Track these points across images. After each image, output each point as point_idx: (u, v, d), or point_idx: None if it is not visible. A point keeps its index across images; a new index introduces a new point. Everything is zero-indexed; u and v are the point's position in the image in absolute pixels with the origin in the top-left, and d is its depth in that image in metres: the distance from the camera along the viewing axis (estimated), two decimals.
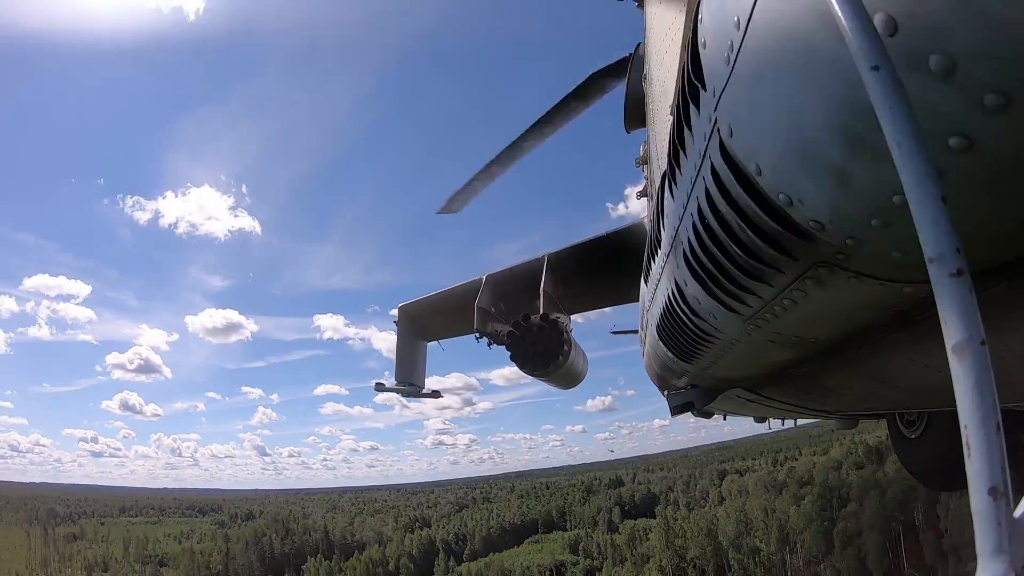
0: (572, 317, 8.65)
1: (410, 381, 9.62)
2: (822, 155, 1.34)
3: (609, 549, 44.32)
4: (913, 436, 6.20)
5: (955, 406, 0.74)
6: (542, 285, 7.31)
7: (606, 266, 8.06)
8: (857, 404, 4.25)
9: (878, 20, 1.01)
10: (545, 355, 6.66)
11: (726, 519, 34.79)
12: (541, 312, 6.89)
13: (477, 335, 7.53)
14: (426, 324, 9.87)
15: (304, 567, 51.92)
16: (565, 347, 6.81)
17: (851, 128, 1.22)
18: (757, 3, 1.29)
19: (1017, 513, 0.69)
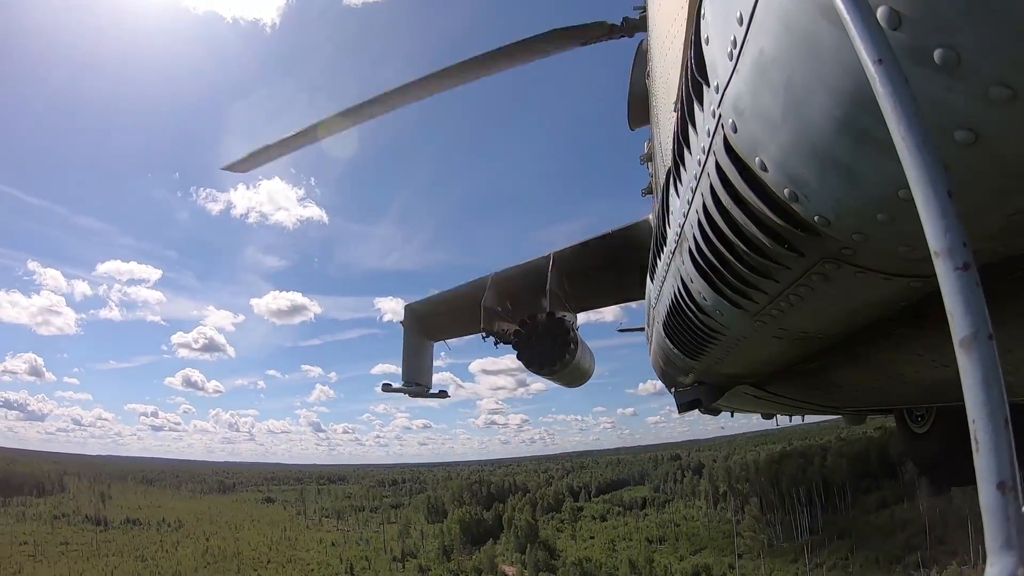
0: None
1: (417, 381, 10.08)
2: (827, 150, 1.37)
3: (677, 489, 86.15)
4: (921, 431, 6.49)
5: (963, 401, 0.77)
6: (548, 284, 7.61)
7: (612, 264, 8.44)
8: (865, 399, 4.41)
9: (881, 13, 1.05)
10: (551, 354, 6.99)
11: (737, 467, 76.21)
12: (547, 311, 7.19)
13: (483, 334, 7.91)
14: (433, 324, 10.30)
15: (509, 500, 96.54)
16: (572, 345, 7.11)
17: (856, 122, 1.25)
18: None
19: None
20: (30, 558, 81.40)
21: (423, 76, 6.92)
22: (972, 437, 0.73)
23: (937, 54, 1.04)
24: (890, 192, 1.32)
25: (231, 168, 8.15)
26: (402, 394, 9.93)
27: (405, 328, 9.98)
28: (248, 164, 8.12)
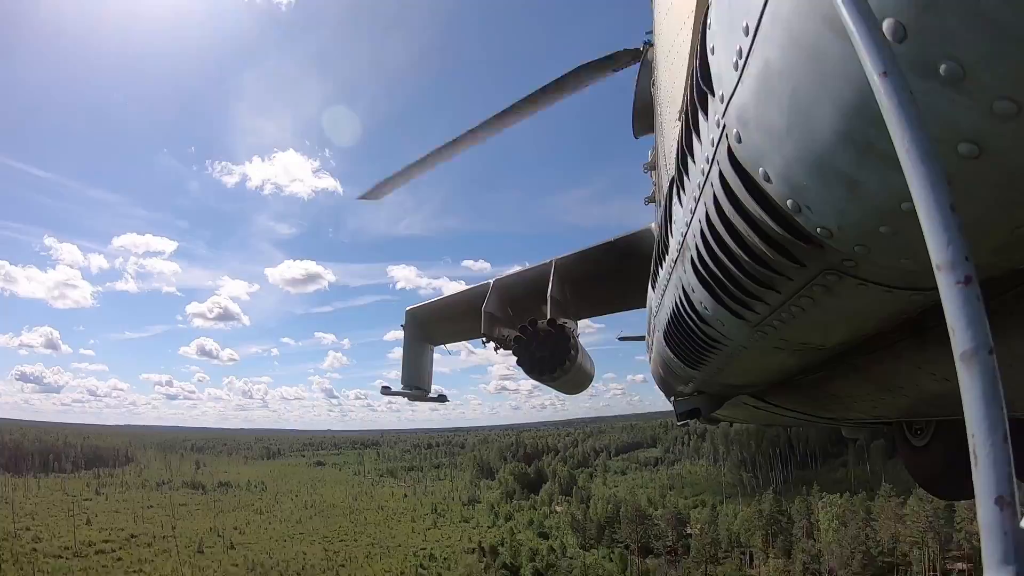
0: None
1: (417, 385, 10.01)
2: (831, 162, 1.34)
3: (685, 451, 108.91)
4: (920, 444, 6.26)
5: (962, 415, 0.75)
6: (549, 290, 7.52)
7: (614, 272, 8.32)
8: (864, 412, 4.28)
9: (887, 26, 1.01)
10: (551, 360, 6.94)
11: (734, 433, 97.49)
12: (548, 317, 7.08)
13: (484, 339, 7.93)
14: (433, 328, 10.20)
15: (544, 457, 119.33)
16: (572, 352, 7.00)
17: (860, 134, 1.22)
18: (766, 9, 1.30)
19: None
20: (169, 517, 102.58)
21: (486, 119, 7.76)
22: (971, 452, 0.72)
23: (942, 67, 1.01)
24: (893, 205, 1.28)
25: (366, 197, 9.44)
26: (402, 397, 10.03)
27: (406, 332, 10.18)
28: (379, 191, 9.28)
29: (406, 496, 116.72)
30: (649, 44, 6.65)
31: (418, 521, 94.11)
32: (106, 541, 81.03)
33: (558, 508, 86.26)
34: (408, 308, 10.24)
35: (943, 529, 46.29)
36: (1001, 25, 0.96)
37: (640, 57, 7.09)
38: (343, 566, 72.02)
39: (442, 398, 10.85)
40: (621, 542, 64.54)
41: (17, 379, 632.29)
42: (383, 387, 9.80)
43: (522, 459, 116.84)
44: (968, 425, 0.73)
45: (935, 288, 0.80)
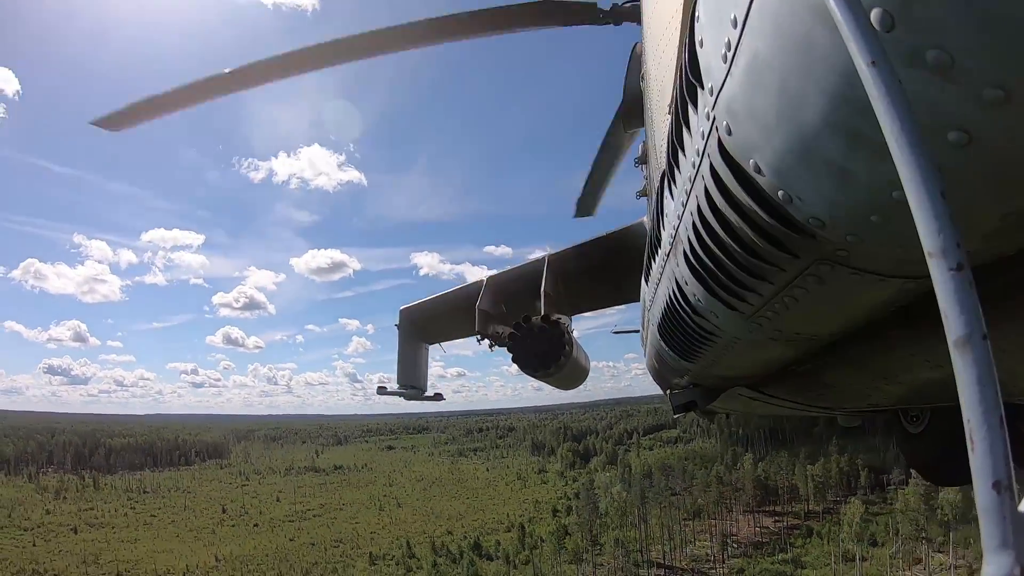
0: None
1: (412, 384, 10.21)
2: (821, 152, 1.35)
3: (698, 431, 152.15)
4: (916, 431, 6.26)
5: (958, 401, 0.75)
6: (543, 286, 7.73)
7: (607, 266, 8.59)
8: (860, 400, 4.26)
9: (874, 16, 1.01)
10: (546, 356, 7.21)
11: (731, 419, 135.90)
12: (542, 314, 7.26)
13: (479, 337, 8.13)
14: (428, 327, 10.48)
15: (588, 437, 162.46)
16: (566, 348, 7.12)
17: (849, 124, 1.23)
18: (754, 1, 1.30)
19: (1022, 507, 0.70)
20: (324, 492, 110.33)
21: (382, 29, 5.96)
22: (967, 437, 0.72)
23: (930, 56, 1.02)
24: (884, 193, 1.29)
25: (102, 124, 6.05)
26: (398, 397, 9.73)
27: (400, 331, 10.25)
28: (128, 119, 6.03)
29: (488, 470, 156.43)
30: (620, 9, 6.49)
31: (509, 485, 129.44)
32: (308, 509, 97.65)
33: (607, 473, 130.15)
34: (402, 307, 10.24)
35: (828, 477, 79.29)
36: (989, 13, 0.95)
37: (602, 18, 6.69)
38: (483, 511, 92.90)
39: (438, 396, 10.78)
40: (655, 488, 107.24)
41: (45, 372, 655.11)
42: (379, 387, 9.81)
43: (571, 438, 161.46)
44: (964, 411, 0.73)
45: (928, 276, 0.79)
